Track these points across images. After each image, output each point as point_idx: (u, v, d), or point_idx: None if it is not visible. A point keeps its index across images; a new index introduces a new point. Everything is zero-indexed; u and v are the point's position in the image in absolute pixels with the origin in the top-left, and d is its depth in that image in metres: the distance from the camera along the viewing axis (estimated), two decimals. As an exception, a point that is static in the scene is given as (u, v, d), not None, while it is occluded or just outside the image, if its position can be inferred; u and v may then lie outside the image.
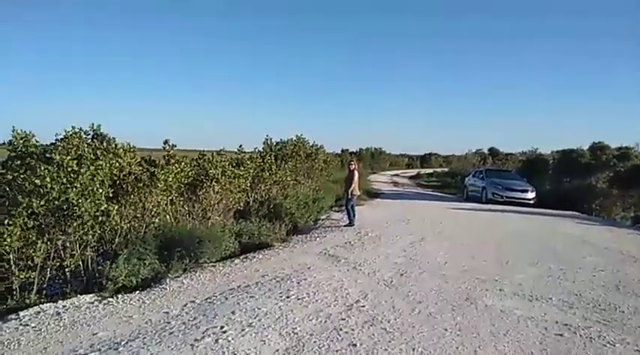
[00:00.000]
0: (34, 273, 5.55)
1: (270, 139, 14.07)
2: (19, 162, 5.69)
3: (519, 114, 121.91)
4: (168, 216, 7.69)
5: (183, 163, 8.03)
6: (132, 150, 7.49)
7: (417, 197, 22.19)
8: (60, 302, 5.14)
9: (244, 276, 6.21)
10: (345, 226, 10.89)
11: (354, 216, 11.13)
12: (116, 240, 6.65)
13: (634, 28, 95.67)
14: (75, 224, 5.76)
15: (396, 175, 49.32)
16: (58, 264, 5.94)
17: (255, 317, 4.44)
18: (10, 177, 5.45)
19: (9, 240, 5.13)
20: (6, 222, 5.13)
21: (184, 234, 7.01)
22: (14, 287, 5.33)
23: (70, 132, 6.69)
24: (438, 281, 6.01)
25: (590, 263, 7.61)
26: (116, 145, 7.04)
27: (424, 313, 4.71)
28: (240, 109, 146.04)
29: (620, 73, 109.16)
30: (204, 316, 4.50)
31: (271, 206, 10.72)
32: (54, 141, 6.33)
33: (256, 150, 13.15)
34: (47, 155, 5.82)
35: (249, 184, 10.04)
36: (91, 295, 5.46)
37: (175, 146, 8.37)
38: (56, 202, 5.59)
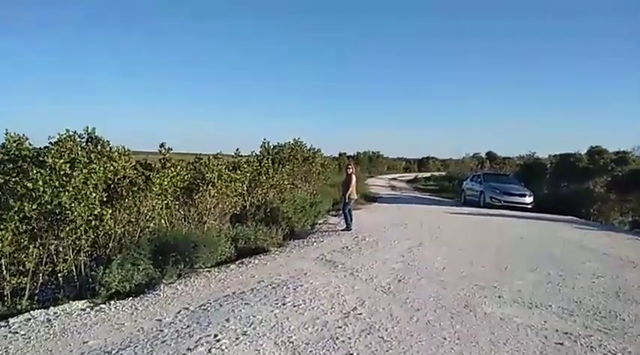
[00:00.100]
0: (25, 279, 5.45)
1: (268, 143, 14.03)
2: (11, 165, 5.60)
3: (517, 118, 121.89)
4: (163, 221, 7.59)
5: (179, 167, 7.95)
6: (127, 153, 7.41)
7: (414, 201, 22.15)
8: (51, 308, 5.04)
9: (240, 282, 6.12)
10: (342, 231, 10.82)
11: (351, 220, 11.06)
12: (110, 244, 6.55)
13: (633, 29, 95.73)
14: (67, 228, 5.66)
15: (394, 179, 49.35)
16: (50, 269, 5.85)
17: (250, 325, 4.34)
18: (2, 181, 5.36)
19: (0, 244, 5.03)
20: (-3, 226, 5.04)
21: (179, 239, 6.91)
22: (5, 293, 5.23)
23: (64, 136, 6.63)
24: (436, 288, 5.92)
25: (590, 268, 7.54)
26: (111, 149, 6.96)
27: (422, 321, 4.63)
28: (238, 112, 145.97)
29: (618, 76, 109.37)
30: (198, 324, 4.40)
31: (268, 210, 10.64)
32: (47, 145, 6.26)
33: (253, 153, 13.09)
34: (40, 158, 5.73)
35: (245, 188, 9.95)
36: (83, 301, 5.37)
37: (171, 149, 8.28)
38: (48, 206, 5.49)
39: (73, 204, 5.57)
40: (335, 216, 13.69)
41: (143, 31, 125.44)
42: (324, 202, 14.15)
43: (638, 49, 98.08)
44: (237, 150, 11.01)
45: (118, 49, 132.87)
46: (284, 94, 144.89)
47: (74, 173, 5.63)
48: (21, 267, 5.48)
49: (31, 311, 4.89)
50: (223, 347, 3.83)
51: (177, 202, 8.24)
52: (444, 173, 51.81)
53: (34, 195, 5.33)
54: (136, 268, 6.05)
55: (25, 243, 5.46)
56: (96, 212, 5.90)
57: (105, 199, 6.35)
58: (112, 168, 6.67)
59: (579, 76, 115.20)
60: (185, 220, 8.33)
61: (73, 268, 5.94)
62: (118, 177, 6.95)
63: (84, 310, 5.00)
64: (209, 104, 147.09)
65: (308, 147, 15.87)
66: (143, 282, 6.05)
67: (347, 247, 8.69)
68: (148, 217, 7.17)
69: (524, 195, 18.62)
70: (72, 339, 4.11)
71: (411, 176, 56.49)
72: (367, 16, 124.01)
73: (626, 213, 18.26)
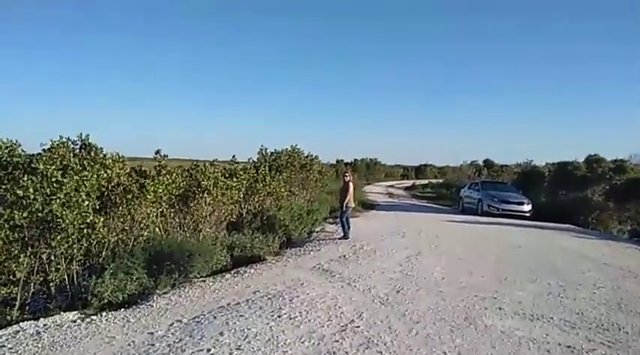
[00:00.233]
0: (16, 288, 5.32)
1: (265, 149, 13.95)
2: (2, 172, 5.48)
3: (514, 126, 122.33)
4: (158, 229, 7.47)
5: (174, 174, 7.85)
6: (121, 160, 7.31)
7: (412, 208, 22.06)
8: (41, 320, 4.91)
9: (235, 293, 5.99)
10: (339, 239, 10.70)
11: (348, 228, 10.95)
12: (103, 253, 6.43)
13: (632, 33, 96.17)
14: (59, 237, 5.54)
15: (391, 186, 49.29)
16: (42, 278, 5.72)
17: (244, 339, 4.21)
18: (-8, 188, 5.24)
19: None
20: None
21: (174, 248, 6.78)
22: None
23: (57, 142, 6.53)
24: (435, 299, 5.81)
25: (590, 279, 7.44)
26: (104, 155, 6.85)
27: (422, 334, 4.51)
28: (235, 119, 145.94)
29: (614, 83, 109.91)
30: (191, 337, 4.27)
31: (265, 218, 10.53)
32: (40, 152, 6.16)
33: (250, 160, 13.01)
34: (33, 165, 5.62)
35: (242, 195, 9.84)
36: (75, 312, 5.23)
37: (167, 156, 8.18)
38: (39, 214, 5.37)
39: (64, 212, 5.45)
40: (332, 223, 13.57)
41: (142, 34, 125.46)
42: (322, 210, 14.03)
43: (636, 55, 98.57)
44: (234, 157, 10.91)
45: (117, 53, 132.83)
46: (282, 101, 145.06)
47: (65, 180, 5.51)
48: (11, 277, 5.35)
49: (21, 323, 4.76)
50: (216, 362, 3.70)
51: (172, 210, 8.12)
52: (441, 180, 51.78)
53: (24, 202, 5.22)
54: (130, 278, 5.92)
55: (16, 251, 5.34)
56: (88, 220, 5.78)
57: (98, 207, 6.24)
58: (105, 175, 6.56)
59: (575, 85, 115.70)
60: (180, 228, 8.21)
61: (66, 277, 5.82)
62: (112, 184, 6.84)
63: (74, 322, 4.86)
64: (207, 110, 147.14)
65: (305, 154, 15.79)
66: (136, 292, 5.92)
67: (344, 256, 8.57)
68: (142, 225, 7.05)
69: (522, 204, 18.56)
70: (60, 353, 3.98)
71: (408, 183, 56.43)
72: (367, 21, 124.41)
73: (625, 221, 18.19)
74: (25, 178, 5.25)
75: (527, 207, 18.44)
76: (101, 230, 5.94)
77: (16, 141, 5.89)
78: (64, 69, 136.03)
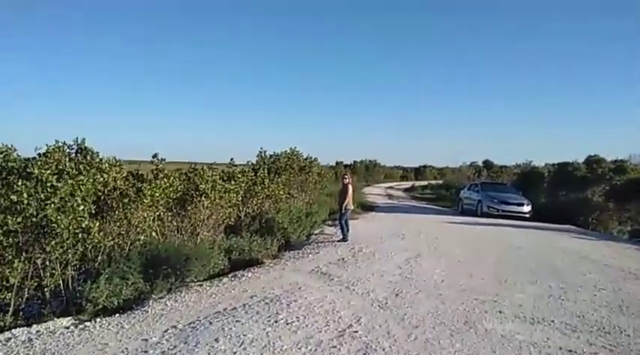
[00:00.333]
0: (10, 294, 5.25)
1: (264, 152, 13.90)
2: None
3: (513, 127, 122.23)
4: (154, 233, 7.40)
5: (172, 178, 7.79)
6: (118, 164, 7.25)
7: (411, 210, 21.99)
8: (34, 326, 4.84)
9: (232, 297, 5.92)
10: (338, 241, 10.63)
11: (347, 230, 10.89)
12: (99, 258, 6.36)
13: (633, 29, 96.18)
14: (53, 242, 5.47)
15: (391, 188, 49.22)
16: (36, 283, 5.65)
17: (240, 346, 4.14)
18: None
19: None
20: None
21: (171, 252, 6.71)
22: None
23: (52, 147, 6.47)
24: (435, 303, 5.74)
25: (591, 280, 7.37)
26: (100, 160, 6.80)
27: (421, 339, 4.44)
28: (233, 121, 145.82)
29: (613, 84, 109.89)
30: (186, 344, 4.20)
31: (263, 221, 10.46)
32: (35, 156, 6.10)
33: (249, 163, 12.95)
34: (28, 170, 5.56)
35: (240, 198, 9.78)
36: (69, 318, 5.17)
37: (164, 160, 8.13)
38: (34, 219, 5.30)
39: (59, 217, 5.38)
40: (331, 226, 13.50)
41: (141, 34, 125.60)
42: (321, 212, 13.97)
43: (634, 54, 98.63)
44: (232, 159, 10.84)
45: (117, 56, 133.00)
46: (280, 103, 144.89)
47: (60, 185, 5.45)
48: (5, 282, 5.28)
49: (13, 330, 4.69)
50: (211, 370, 3.63)
51: (170, 213, 8.06)
52: (441, 181, 51.68)
53: (18, 207, 5.15)
54: (125, 282, 5.85)
55: (10, 257, 5.27)
56: (84, 225, 5.71)
57: (94, 211, 6.18)
58: (101, 179, 6.50)
59: (575, 85, 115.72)
60: (178, 232, 8.15)
61: (61, 282, 5.75)
62: (108, 188, 6.78)
63: (67, 328, 4.79)
64: (205, 113, 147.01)
65: (304, 157, 15.73)
66: (132, 297, 5.85)
67: (343, 259, 8.50)
68: (138, 229, 7.00)
69: (522, 204, 18.51)
70: (52, 361, 3.91)
71: (408, 184, 56.35)
72: (364, 22, 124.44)
73: (625, 222, 18.13)
74: (20, 183, 5.19)
75: (526, 208, 18.38)
76: (96, 234, 5.87)
77: (12, 145, 5.83)
78: (63, 72, 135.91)
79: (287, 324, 4.77)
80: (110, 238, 6.55)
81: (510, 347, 4.34)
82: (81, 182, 5.81)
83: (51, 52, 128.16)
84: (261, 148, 13.80)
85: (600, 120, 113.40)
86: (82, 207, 5.69)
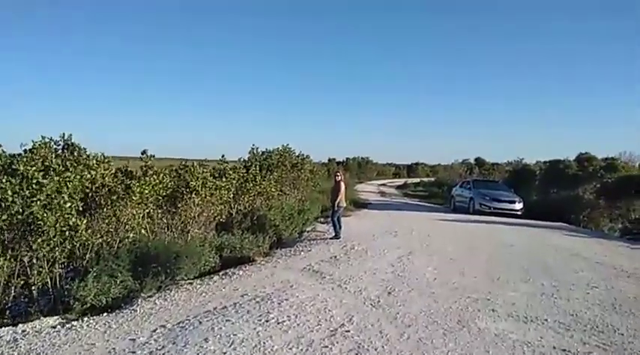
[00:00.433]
0: (-4, 293, 5.14)
1: (257, 149, 13.80)
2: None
3: (504, 124, 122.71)
4: (144, 230, 7.29)
5: (161, 174, 7.67)
6: (106, 161, 7.12)
7: (404, 207, 21.99)
8: (20, 325, 4.73)
9: (222, 296, 5.84)
10: (330, 239, 10.57)
11: (340, 228, 10.83)
12: (87, 255, 6.25)
13: (622, 32, 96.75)
14: (40, 239, 5.36)
15: (383, 185, 49.26)
16: (23, 281, 5.54)
17: (229, 346, 4.06)
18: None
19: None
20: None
21: (161, 249, 6.60)
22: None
23: (39, 143, 6.34)
24: (427, 301, 5.69)
25: (583, 278, 7.36)
26: (88, 156, 6.67)
27: (413, 339, 4.38)
28: (226, 118, 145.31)
29: (604, 82, 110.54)
30: (174, 344, 4.11)
31: (255, 218, 10.36)
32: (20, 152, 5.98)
33: (241, 160, 12.85)
34: (13, 167, 5.43)
35: (232, 195, 9.67)
36: (55, 318, 5.06)
37: (154, 156, 8.00)
38: (19, 216, 5.19)
39: (45, 214, 5.27)
40: (324, 223, 13.44)
41: (140, 37, 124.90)
42: (313, 209, 13.89)
43: (626, 54, 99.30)
44: (223, 156, 10.72)
45: (117, 56, 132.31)
46: (273, 100, 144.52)
47: (46, 181, 5.33)
48: (-10, 281, 5.17)
49: (-2, 329, 4.58)
50: (200, 371, 3.55)
51: (160, 211, 7.95)
52: (433, 179, 51.81)
53: (2, 205, 5.03)
54: (114, 281, 5.74)
55: (-5, 254, 5.15)
56: (71, 222, 5.60)
57: (82, 209, 6.07)
58: (89, 176, 6.38)
59: (566, 84, 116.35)
60: (168, 229, 8.04)
61: (48, 280, 5.64)
62: (96, 185, 6.66)
63: (54, 328, 4.69)
64: (198, 110, 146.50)
65: (297, 154, 15.65)
66: (120, 296, 5.75)
67: (335, 257, 8.44)
68: (127, 227, 6.88)
69: (513, 202, 18.53)
70: (37, 362, 3.81)
71: (400, 182, 56.44)
72: (359, 21, 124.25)
73: (616, 219, 18.23)
74: (4, 180, 5.07)
75: (518, 206, 18.41)
76: (84, 232, 5.76)
77: (-5, 142, 5.70)
78: (63, 71, 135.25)
79: (278, 323, 4.69)
80: (98, 236, 6.43)
81: (504, 346, 4.29)
82: (68, 179, 5.70)
83: (51, 52, 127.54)
84: (253, 145, 13.71)
85: (593, 119, 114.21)
86: (69, 205, 5.58)
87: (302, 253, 8.86)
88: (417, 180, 56.44)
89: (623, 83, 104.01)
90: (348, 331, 4.52)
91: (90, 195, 6.58)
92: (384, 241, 10.40)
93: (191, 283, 6.53)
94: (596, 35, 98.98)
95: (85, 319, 4.95)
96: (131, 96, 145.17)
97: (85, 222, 5.80)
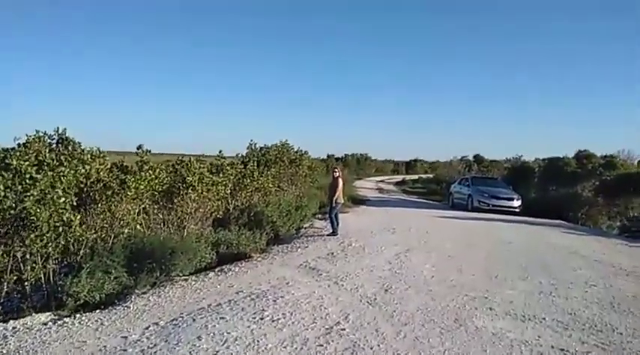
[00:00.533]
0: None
1: (254, 144, 13.72)
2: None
3: (503, 122, 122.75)
4: (139, 226, 7.22)
5: (157, 170, 7.59)
6: (101, 155, 7.05)
7: (402, 204, 21.92)
8: (11, 322, 4.68)
9: (217, 292, 5.77)
10: (328, 235, 10.51)
11: (337, 224, 10.77)
12: (81, 251, 6.18)
13: (620, 32, 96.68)
14: (33, 235, 5.28)
15: (382, 181, 49.15)
16: (16, 277, 5.47)
17: (223, 344, 4.00)
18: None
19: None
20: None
21: (156, 245, 6.53)
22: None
23: (32, 137, 6.26)
24: (424, 299, 5.63)
25: (582, 276, 7.31)
26: (82, 150, 6.59)
27: (410, 337, 4.32)
28: (224, 113, 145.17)
29: (603, 80, 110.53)
30: (166, 342, 4.04)
31: (252, 214, 10.29)
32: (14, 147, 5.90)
33: (239, 155, 12.78)
34: (6, 161, 5.36)
35: (229, 191, 9.60)
36: (48, 314, 5.00)
37: (150, 151, 7.92)
38: (12, 211, 5.11)
39: (38, 210, 5.20)
40: (321, 219, 13.38)
41: (140, 32, 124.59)
42: (311, 205, 13.83)
43: (626, 53, 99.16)
44: (220, 152, 10.65)
45: (115, 52, 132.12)
46: (272, 96, 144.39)
47: (39, 176, 5.26)
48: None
49: (-12, 326, 4.52)
50: (192, 370, 3.49)
51: (156, 206, 7.89)
52: (431, 175, 51.67)
53: (-5, 200, 4.96)
54: (108, 276, 5.68)
55: (-12, 249, 5.09)
56: (64, 217, 5.53)
57: (76, 204, 6.00)
58: (83, 171, 6.30)
59: (564, 81, 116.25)
60: (164, 224, 7.97)
61: (42, 276, 5.57)
62: (91, 180, 6.59)
63: (45, 324, 4.63)
64: (197, 106, 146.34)
65: (295, 150, 15.57)
66: (114, 292, 5.69)
67: (332, 253, 8.38)
68: (122, 222, 6.81)
69: (512, 199, 18.48)
70: (26, 360, 3.75)
71: (398, 178, 56.33)
72: (358, 20, 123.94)
73: (614, 217, 18.17)
74: (-4, 175, 4.99)
75: (517, 203, 18.36)
76: (77, 228, 5.69)
77: (-13, 136, 5.64)
78: (63, 71, 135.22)
79: (273, 321, 4.63)
80: (93, 231, 6.37)
81: (501, 345, 4.24)
82: (62, 173, 5.63)
83: (51, 52, 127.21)
84: (251, 140, 13.64)
85: (592, 118, 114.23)
86: (62, 200, 5.50)
87: (299, 250, 8.81)
88: (416, 176, 56.29)
89: (623, 83, 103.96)
90: (344, 329, 4.46)
91: (84, 190, 6.51)
92: (381, 238, 10.35)
93: (186, 279, 6.47)
94: (596, 35, 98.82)
95: (78, 315, 4.90)
96: (130, 93, 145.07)
97: (79, 217, 5.73)
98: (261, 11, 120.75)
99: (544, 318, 5.08)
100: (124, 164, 7.56)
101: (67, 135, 6.69)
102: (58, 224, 5.44)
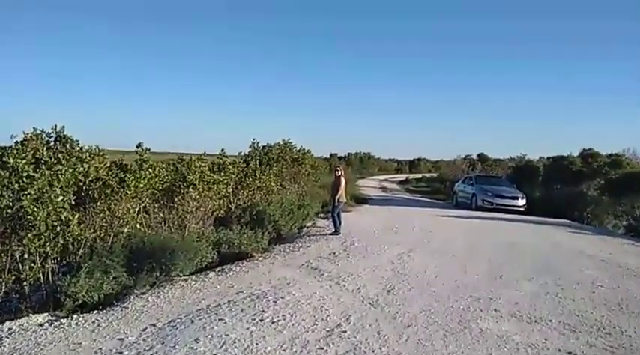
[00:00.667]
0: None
1: (257, 143, 13.64)
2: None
3: (507, 120, 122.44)
4: (139, 225, 7.13)
5: (157, 168, 7.51)
6: (100, 153, 6.97)
7: (405, 203, 21.81)
8: (7, 323, 4.60)
9: (217, 293, 5.68)
10: (330, 234, 10.41)
11: (340, 223, 10.67)
12: (81, 251, 6.10)
13: (622, 31, 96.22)
14: (30, 234, 5.21)
15: (385, 180, 49.03)
16: (14, 277, 5.40)
17: (221, 347, 3.90)
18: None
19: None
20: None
21: (156, 244, 6.45)
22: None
23: (29, 134, 6.18)
24: (428, 300, 5.52)
25: (588, 277, 7.18)
26: (81, 149, 6.51)
27: (413, 340, 4.22)
28: (227, 112, 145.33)
29: (608, 79, 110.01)
30: (163, 344, 3.95)
31: (254, 213, 10.20)
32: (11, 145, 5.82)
33: (241, 154, 12.69)
34: (4, 159, 5.28)
35: (230, 190, 9.52)
36: (45, 315, 4.92)
37: (149, 149, 7.83)
38: (9, 210, 5.04)
39: (36, 209, 5.12)
40: (324, 218, 13.27)
41: (131, 31, 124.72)
42: (313, 204, 13.70)
43: (629, 52, 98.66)
44: (222, 150, 10.55)
45: (116, 52, 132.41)
46: (275, 95, 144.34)
47: (37, 175, 5.18)
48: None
49: (-16, 327, 4.44)
50: (189, 373, 3.40)
51: (156, 205, 7.80)
52: (435, 174, 51.51)
53: (-9, 199, 4.89)
54: (107, 276, 5.60)
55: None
56: (63, 216, 5.45)
57: (75, 202, 5.92)
58: (82, 169, 6.22)
59: (569, 80, 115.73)
60: (165, 224, 7.89)
61: (40, 276, 5.49)
62: (90, 178, 6.51)
63: (42, 325, 4.54)
64: (199, 103, 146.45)
65: (297, 148, 15.48)
66: (113, 292, 5.60)
67: (334, 253, 8.28)
68: (122, 221, 6.73)
69: (516, 198, 18.34)
70: (20, 362, 3.67)
71: (402, 177, 56.16)
72: (357, 18, 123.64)
73: (620, 216, 17.97)
74: (-7, 173, 4.92)
75: (521, 202, 18.22)
76: (75, 227, 5.60)
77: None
78: (63, 71, 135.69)
79: (272, 323, 4.53)
80: (92, 230, 6.29)
81: (507, 348, 4.13)
82: (60, 172, 5.55)
83: (51, 52, 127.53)
84: (253, 139, 13.55)
85: (595, 115, 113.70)
86: (60, 198, 5.43)
87: (301, 249, 8.71)
88: (419, 175, 56.13)
89: (628, 81, 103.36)
90: (345, 331, 4.36)
91: (83, 188, 6.42)
92: (384, 237, 10.24)
93: (186, 279, 6.38)
94: (601, 33, 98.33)
95: (75, 316, 4.82)
96: (132, 92, 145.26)
97: (77, 216, 5.65)
98: (263, 9, 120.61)
99: (550, 320, 4.97)
100: (124, 162, 7.48)
101: (65, 132, 6.60)
102: (55, 223, 5.37)
